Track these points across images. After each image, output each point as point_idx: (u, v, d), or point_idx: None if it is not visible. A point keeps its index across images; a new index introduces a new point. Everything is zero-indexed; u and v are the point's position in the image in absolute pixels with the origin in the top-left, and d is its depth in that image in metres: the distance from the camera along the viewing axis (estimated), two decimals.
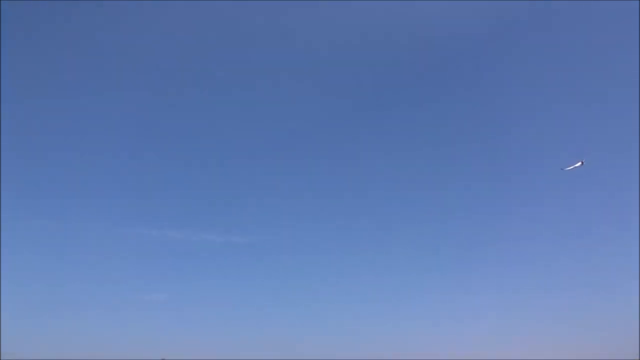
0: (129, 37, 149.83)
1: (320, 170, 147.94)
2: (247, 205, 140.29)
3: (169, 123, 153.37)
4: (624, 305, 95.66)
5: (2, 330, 77.91)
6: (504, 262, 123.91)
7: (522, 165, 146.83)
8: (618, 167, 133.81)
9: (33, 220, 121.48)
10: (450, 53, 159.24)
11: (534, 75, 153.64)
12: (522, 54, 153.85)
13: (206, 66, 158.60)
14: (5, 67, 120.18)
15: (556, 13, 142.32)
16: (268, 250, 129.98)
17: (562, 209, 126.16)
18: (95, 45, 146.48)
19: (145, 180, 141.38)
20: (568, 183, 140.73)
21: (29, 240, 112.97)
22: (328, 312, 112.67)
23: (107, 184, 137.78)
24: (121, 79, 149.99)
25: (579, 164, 72.84)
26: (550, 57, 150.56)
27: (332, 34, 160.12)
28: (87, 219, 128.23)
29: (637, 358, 75.26)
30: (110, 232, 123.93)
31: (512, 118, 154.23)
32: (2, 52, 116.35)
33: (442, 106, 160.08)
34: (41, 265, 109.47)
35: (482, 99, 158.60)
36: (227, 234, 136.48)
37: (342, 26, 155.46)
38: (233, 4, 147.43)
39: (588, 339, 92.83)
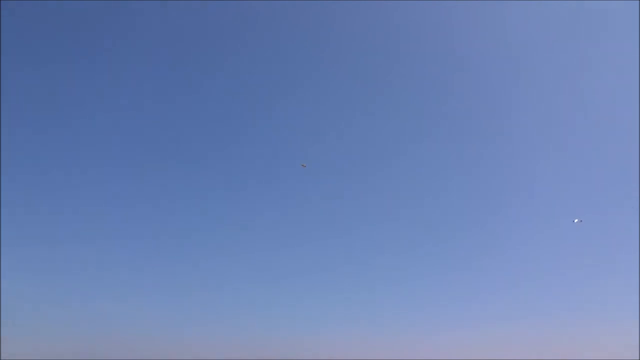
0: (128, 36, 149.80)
1: (320, 174, 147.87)
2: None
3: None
4: (624, 306, 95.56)
5: (2, 330, 77.76)
6: (503, 263, 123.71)
7: (521, 166, 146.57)
8: (618, 167, 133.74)
9: (32, 220, 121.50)
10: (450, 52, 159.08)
11: (533, 75, 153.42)
12: (522, 53, 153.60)
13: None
14: (6, 68, 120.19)
15: (556, 13, 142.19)
16: (266, 250, 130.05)
17: (562, 209, 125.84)
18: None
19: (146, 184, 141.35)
20: (568, 183, 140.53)
21: (28, 241, 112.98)
22: (325, 313, 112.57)
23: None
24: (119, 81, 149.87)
25: (577, 220, 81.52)
26: (550, 57, 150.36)
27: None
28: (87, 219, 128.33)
29: (637, 358, 75.15)
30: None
31: (513, 120, 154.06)
32: (2, 52, 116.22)
33: (445, 105, 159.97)
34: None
35: (483, 99, 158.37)
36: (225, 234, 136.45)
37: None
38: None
39: (588, 339, 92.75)
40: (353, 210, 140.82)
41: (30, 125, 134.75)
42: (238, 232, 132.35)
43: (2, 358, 72.92)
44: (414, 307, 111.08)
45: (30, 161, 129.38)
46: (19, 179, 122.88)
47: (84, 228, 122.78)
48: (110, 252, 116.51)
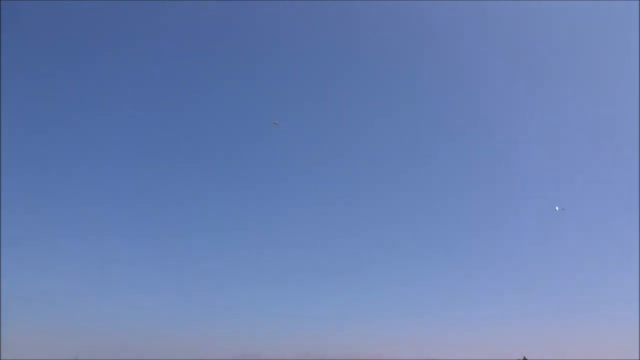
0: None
1: (321, 172, 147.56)
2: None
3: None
4: (624, 306, 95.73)
5: (1, 330, 77.79)
6: (504, 263, 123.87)
7: (523, 165, 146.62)
8: (618, 168, 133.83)
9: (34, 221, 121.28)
10: (450, 52, 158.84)
11: (534, 75, 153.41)
12: (521, 53, 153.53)
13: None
14: (6, 68, 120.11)
15: (556, 13, 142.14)
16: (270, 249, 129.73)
17: (565, 212, 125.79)
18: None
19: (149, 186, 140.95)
20: (569, 183, 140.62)
21: (30, 240, 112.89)
22: (332, 313, 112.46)
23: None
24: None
25: (559, 208, 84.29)
26: (550, 56, 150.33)
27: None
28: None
29: (637, 358, 75.24)
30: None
31: (515, 118, 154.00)
32: (2, 52, 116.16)
33: (444, 104, 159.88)
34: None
35: (484, 99, 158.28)
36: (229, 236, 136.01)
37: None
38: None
39: (588, 339, 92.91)
40: (362, 211, 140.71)
41: (30, 125, 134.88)
42: (243, 233, 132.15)
43: (2, 358, 72.93)
44: (420, 307, 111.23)
45: (30, 161, 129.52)
46: (19, 179, 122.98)
47: (85, 228, 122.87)
48: (110, 253, 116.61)
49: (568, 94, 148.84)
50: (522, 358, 72.79)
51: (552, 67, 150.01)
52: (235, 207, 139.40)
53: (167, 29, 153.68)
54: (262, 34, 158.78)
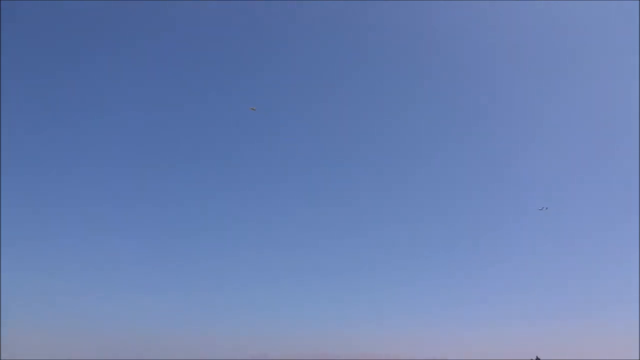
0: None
1: (321, 172, 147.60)
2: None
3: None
4: (624, 306, 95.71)
5: (1, 330, 77.82)
6: (505, 263, 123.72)
7: (523, 166, 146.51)
8: (619, 168, 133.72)
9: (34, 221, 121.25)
10: (452, 51, 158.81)
11: (534, 75, 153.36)
12: (522, 54, 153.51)
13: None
14: (6, 69, 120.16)
15: (556, 13, 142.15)
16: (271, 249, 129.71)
17: (563, 210, 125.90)
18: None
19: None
20: (570, 183, 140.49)
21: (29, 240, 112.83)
22: (335, 313, 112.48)
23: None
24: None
25: (544, 208, 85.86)
26: (550, 56, 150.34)
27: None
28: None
29: (637, 358, 75.21)
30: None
31: (516, 119, 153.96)
32: (2, 52, 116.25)
33: (445, 105, 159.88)
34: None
35: (485, 100, 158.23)
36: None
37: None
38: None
39: (588, 339, 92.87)
40: (362, 211, 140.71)
41: (30, 125, 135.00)
42: (243, 233, 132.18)
43: (2, 358, 72.98)
44: (422, 307, 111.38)
45: (30, 161, 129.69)
46: (19, 179, 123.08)
47: (85, 228, 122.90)
48: (110, 253, 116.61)
49: (569, 94, 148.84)
50: (535, 358, 73.14)
51: (552, 68, 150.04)
52: (235, 207, 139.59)
53: (167, 29, 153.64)
54: (263, 33, 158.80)
